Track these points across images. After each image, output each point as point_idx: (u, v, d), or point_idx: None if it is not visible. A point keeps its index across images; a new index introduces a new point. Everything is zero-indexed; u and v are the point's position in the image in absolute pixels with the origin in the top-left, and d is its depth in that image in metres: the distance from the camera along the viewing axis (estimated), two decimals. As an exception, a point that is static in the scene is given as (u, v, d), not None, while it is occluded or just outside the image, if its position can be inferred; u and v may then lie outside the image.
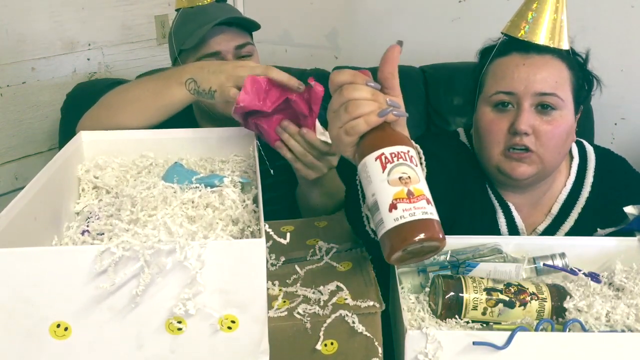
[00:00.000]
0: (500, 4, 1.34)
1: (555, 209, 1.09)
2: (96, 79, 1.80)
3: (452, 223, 0.99)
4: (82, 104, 1.59)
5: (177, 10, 1.29)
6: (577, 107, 1.04)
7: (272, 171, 1.23)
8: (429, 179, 0.71)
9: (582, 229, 1.07)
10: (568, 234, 1.08)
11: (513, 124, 0.98)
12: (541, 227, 1.09)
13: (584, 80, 1.04)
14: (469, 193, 1.08)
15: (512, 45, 1.01)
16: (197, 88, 0.98)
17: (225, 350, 0.69)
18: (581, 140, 1.16)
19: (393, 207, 0.61)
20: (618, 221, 1.03)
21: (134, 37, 1.89)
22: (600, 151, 1.16)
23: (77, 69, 1.77)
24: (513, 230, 1.08)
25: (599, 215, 1.08)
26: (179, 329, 0.67)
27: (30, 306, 0.65)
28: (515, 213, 1.07)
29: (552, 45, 0.99)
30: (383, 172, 0.62)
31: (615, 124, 1.88)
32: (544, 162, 1.00)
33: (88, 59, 1.79)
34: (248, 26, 1.28)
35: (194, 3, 1.25)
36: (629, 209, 1.02)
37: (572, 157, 1.12)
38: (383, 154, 0.63)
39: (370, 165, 0.63)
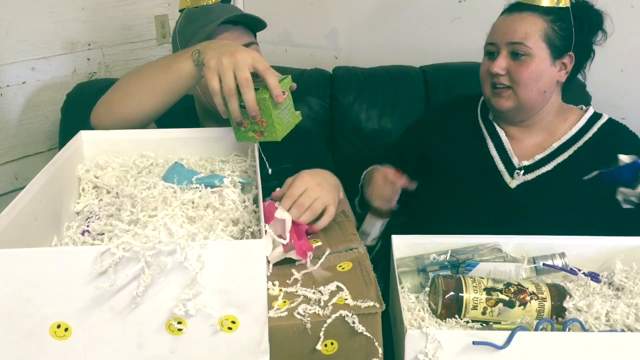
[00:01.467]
0: (500, 4, 1.34)
1: (555, 145, 1.29)
2: (96, 79, 1.80)
3: (448, 155, 1.33)
4: (82, 104, 1.59)
5: (180, 10, 1.29)
6: (558, 53, 1.24)
7: (269, 170, 1.23)
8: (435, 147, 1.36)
9: (575, 162, 1.26)
10: (560, 165, 1.26)
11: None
12: (538, 156, 1.29)
13: (566, 31, 1.24)
14: (464, 133, 1.37)
15: (506, 8, 1.29)
16: (198, 59, 0.98)
17: (226, 351, 0.69)
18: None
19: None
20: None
21: (134, 37, 1.89)
22: (615, 120, 1.34)
23: (77, 69, 1.77)
24: (502, 151, 1.31)
25: (593, 158, 1.20)
26: (179, 330, 0.67)
27: (31, 306, 0.65)
28: (504, 138, 1.32)
29: (531, 3, 1.23)
30: None
31: (615, 123, 1.88)
32: (519, 96, 1.24)
33: (88, 59, 1.79)
34: (254, 25, 1.27)
35: (199, 3, 1.25)
36: (622, 157, 1.09)
37: (585, 112, 1.33)
38: None
39: None
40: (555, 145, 1.29)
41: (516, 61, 1.23)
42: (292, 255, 0.84)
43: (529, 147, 1.31)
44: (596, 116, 1.32)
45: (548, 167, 1.27)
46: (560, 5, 1.23)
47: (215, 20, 1.19)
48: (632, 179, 1.07)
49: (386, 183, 1.25)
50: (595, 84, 1.75)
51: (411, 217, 1.34)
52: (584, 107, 1.36)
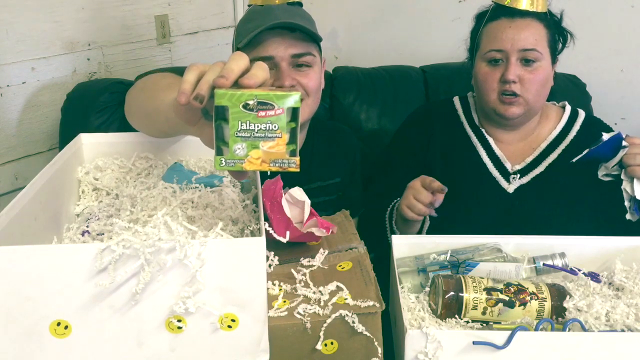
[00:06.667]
0: (500, 5, 1.35)
1: (543, 145, 1.32)
2: (96, 79, 1.79)
3: (445, 166, 1.33)
4: (82, 104, 1.59)
5: (249, 5, 1.26)
6: (554, 58, 1.29)
7: (269, 171, 1.23)
8: (426, 147, 1.37)
9: (564, 161, 1.28)
10: (551, 165, 1.30)
11: (503, 74, 1.24)
12: (529, 159, 1.32)
13: (558, 36, 1.29)
14: (453, 143, 1.37)
15: (500, 11, 1.26)
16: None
17: (226, 349, 0.69)
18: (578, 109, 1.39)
19: None
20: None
21: (134, 37, 1.89)
22: (590, 115, 1.39)
23: (77, 69, 1.77)
24: (494, 157, 1.33)
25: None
26: (179, 328, 0.67)
27: (31, 304, 0.65)
28: (494, 145, 1.33)
29: (532, 10, 1.24)
30: None
31: (615, 123, 1.88)
32: (529, 103, 1.25)
33: (88, 59, 1.79)
34: (311, 35, 1.19)
35: (267, 2, 1.20)
36: (605, 135, 1.14)
37: (564, 111, 1.37)
38: None
39: None
40: (543, 145, 1.32)
41: (527, 68, 1.23)
42: (315, 230, 0.84)
43: (518, 149, 1.33)
44: (574, 112, 1.36)
45: (540, 168, 1.30)
46: (541, 10, 1.25)
47: (271, 22, 1.13)
48: (612, 153, 1.12)
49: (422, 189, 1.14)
50: (595, 84, 1.76)
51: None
52: (556, 103, 1.39)
